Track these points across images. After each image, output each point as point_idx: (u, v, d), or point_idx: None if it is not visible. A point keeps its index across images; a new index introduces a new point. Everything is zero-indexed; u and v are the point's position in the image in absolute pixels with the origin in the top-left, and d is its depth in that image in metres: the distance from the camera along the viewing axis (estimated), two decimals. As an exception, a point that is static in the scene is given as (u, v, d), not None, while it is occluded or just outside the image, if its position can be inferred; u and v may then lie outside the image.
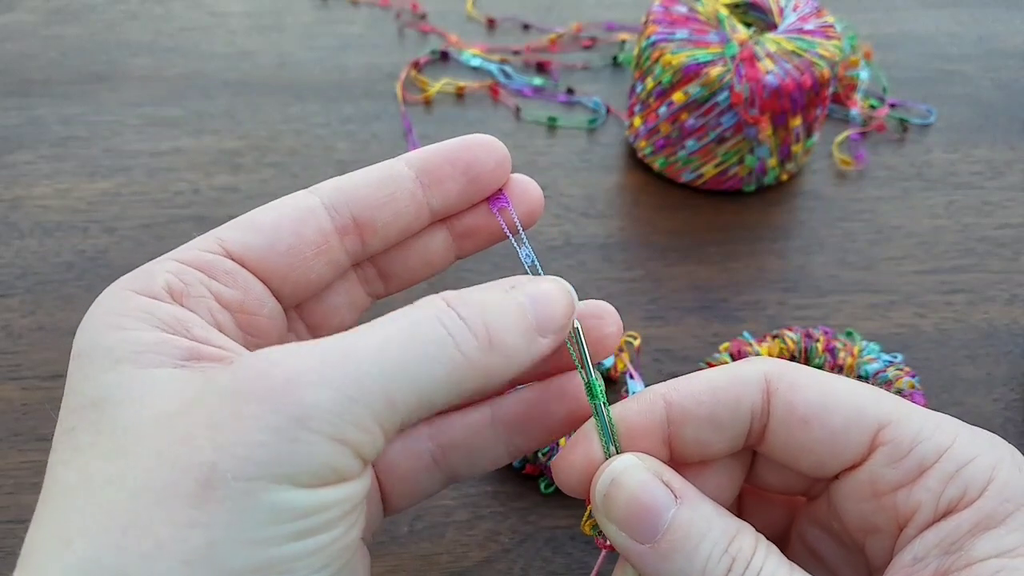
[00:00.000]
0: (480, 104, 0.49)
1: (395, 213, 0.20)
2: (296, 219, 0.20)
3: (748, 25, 0.43)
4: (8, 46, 0.51)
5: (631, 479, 0.18)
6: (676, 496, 0.18)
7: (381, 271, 0.22)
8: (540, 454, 0.30)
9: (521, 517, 0.31)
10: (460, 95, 0.48)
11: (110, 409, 0.16)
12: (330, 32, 0.54)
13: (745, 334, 0.35)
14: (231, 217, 0.20)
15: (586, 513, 0.20)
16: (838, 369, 0.33)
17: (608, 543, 0.19)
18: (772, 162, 0.42)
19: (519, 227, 0.21)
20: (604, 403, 0.19)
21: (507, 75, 0.50)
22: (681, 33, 0.41)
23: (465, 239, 0.22)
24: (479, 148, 0.21)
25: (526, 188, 0.21)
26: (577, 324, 0.20)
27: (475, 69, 0.51)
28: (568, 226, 0.42)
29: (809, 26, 0.42)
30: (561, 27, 0.54)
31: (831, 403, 0.18)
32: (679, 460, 0.20)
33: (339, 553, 0.16)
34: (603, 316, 0.20)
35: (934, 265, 0.41)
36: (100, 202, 0.42)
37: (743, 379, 0.19)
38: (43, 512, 0.16)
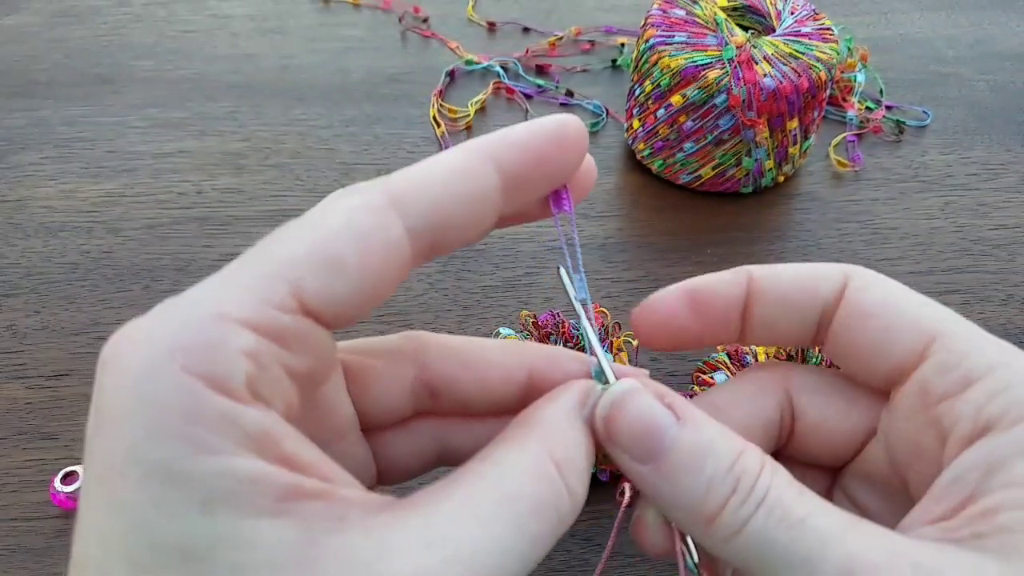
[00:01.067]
0: (491, 108, 0.49)
1: (474, 231, 0.17)
2: (383, 260, 0.15)
3: (745, 28, 0.44)
4: (13, 48, 0.52)
5: (632, 401, 0.17)
6: (679, 417, 0.17)
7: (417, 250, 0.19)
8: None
9: (521, 514, 0.31)
10: (482, 109, 0.49)
11: (211, 570, 0.13)
12: (332, 35, 0.54)
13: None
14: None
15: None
16: (836, 367, 0.33)
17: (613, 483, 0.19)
18: (769, 164, 0.42)
19: (572, 222, 0.19)
20: (595, 331, 0.20)
21: (512, 73, 0.50)
22: (679, 36, 0.41)
23: (506, 221, 0.19)
24: (570, 145, 0.17)
25: (588, 174, 0.19)
26: (564, 276, 0.19)
27: (483, 74, 0.51)
28: (568, 227, 0.42)
29: (806, 29, 0.42)
30: (560, 31, 0.54)
31: (895, 303, 0.19)
32: (749, 340, 0.21)
33: None
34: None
35: (930, 266, 0.41)
36: (104, 203, 0.42)
37: (825, 273, 0.20)
38: None
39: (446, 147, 0.43)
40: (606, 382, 0.19)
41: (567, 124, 0.17)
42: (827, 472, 0.22)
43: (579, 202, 0.20)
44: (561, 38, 0.53)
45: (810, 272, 0.20)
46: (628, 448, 0.17)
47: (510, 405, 0.20)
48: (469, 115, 0.48)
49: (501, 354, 0.20)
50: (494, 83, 0.50)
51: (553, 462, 0.16)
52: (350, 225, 0.15)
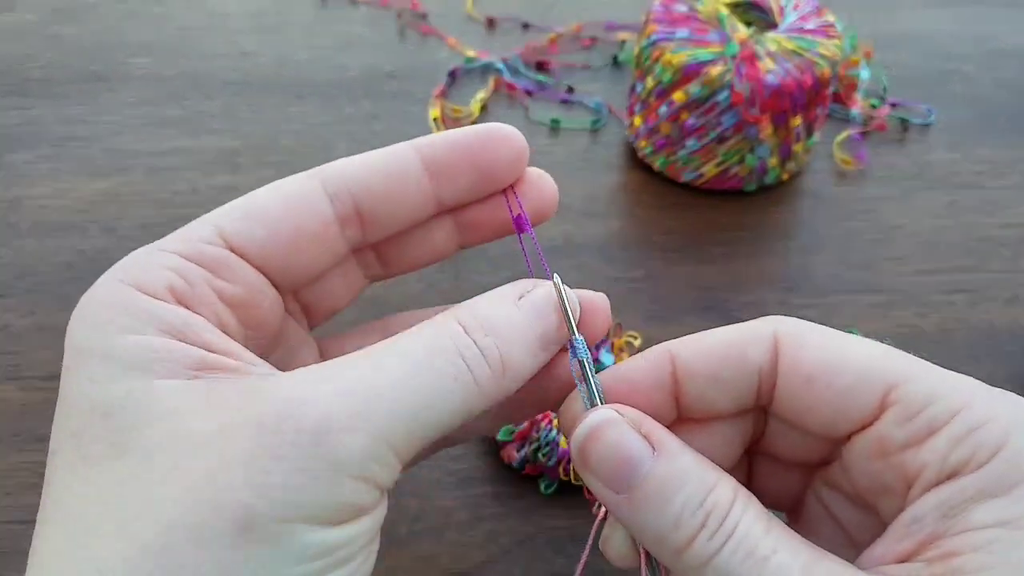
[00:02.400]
0: (492, 106, 0.49)
1: (400, 204, 0.20)
2: (298, 209, 0.19)
3: (748, 24, 0.43)
4: (7, 45, 0.51)
5: (607, 430, 0.18)
6: (654, 448, 0.17)
7: (381, 256, 0.22)
8: (540, 455, 0.30)
9: (522, 518, 0.30)
10: (484, 108, 0.48)
11: (124, 422, 0.15)
12: (330, 32, 0.54)
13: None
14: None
15: None
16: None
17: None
18: (773, 161, 0.42)
19: (531, 230, 0.20)
20: (587, 359, 0.19)
21: (512, 69, 0.50)
22: (681, 32, 0.41)
23: (471, 230, 0.22)
24: (496, 140, 0.20)
25: (540, 184, 0.21)
26: (562, 285, 0.20)
27: (483, 71, 0.51)
28: (568, 226, 0.41)
29: (810, 25, 0.42)
30: (561, 26, 0.54)
31: (838, 362, 0.18)
32: (686, 416, 0.20)
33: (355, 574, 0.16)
34: (595, 307, 0.20)
35: (935, 265, 0.41)
36: (99, 202, 0.42)
37: (752, 336, 0.19)
38: (56, 525, 0.15)
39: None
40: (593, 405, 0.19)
41: (495, 127, 0.20)
42: (801, 476, 0.22)
43: (543, 220, 0.21)
44: (561, 34, 0.53)
45: (736, 339, 0.19)
46: (601, 477, 0.18)
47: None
48: (473, 114, 0.47)
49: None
50: (494, 79, 0.49)
51: (457, 322, 0.17)
52: (275, 188, 0.19)
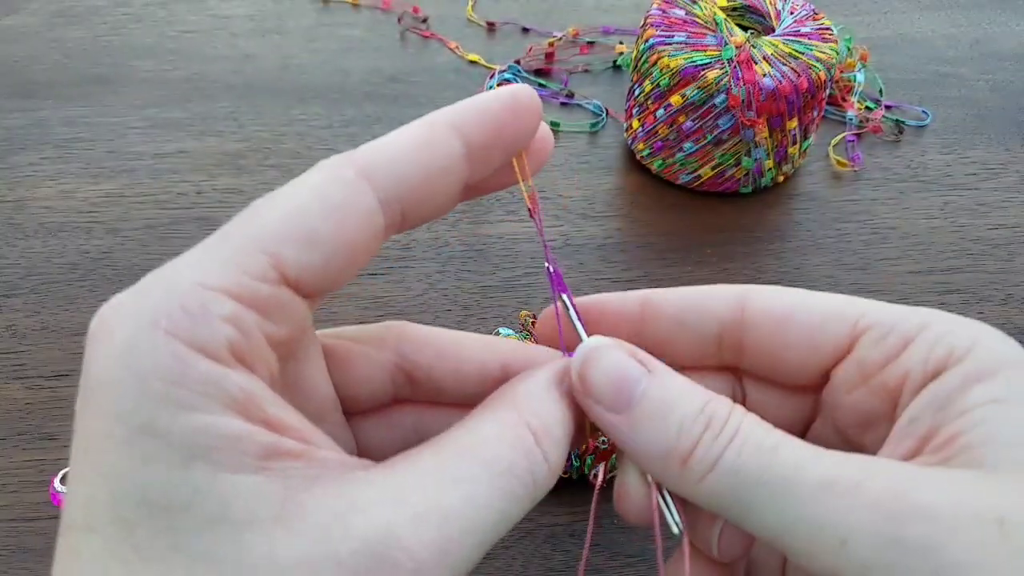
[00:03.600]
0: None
1: (440, 202, 0.18)
2: (354, 227, 0.16)
3: (745, 28, 0.44)
4: (12, 48, 0.52)
5: (604, 354, 0.18)
6: (649, 370, 0.18)
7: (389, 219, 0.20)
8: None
9: (520, 514, 0.31)
10: None
11: (189, 523, 0.14)
12: (332, 35, 0.54)
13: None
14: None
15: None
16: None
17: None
18: (769, 164, 0.42)
19: (567, 290, 0.21)
20: (569, 295, 0.20)
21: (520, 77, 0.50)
22: (679, 36, 0.41)
23: (476, 190, 0.20)
24: (525, 114, 0.18)
25: (545, 140, 0.20)
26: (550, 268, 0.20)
27: (484, 76, 0.51)
28: (567, 227, 0.42)
29: (806, 29, 0.42)
30: (559, 31, 0.54)
31: (807, 302, 0.19)
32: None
33: None
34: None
35: (929, 265, 0.41)
36: (104, 203, 0.42)
37: (718, 290, 0.20)
38: None
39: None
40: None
41: (520, 92, 0.18)
42: None
43: (538, 170, 0.21)
44: (560, 39, 0.53)
45: (704, 290, 0.20)
46: (601, 398, 0.18)
47: (486, 396, 0.21)
48: None
49: (476, 346, 0.21)
50: (498, 85, 0.50)
51: (529, 429, 0.17)
52: (323, 198, 0.16)
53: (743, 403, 0.21)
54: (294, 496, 0.14)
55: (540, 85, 0.50)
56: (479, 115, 0.18)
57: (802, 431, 0.21)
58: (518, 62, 0.52)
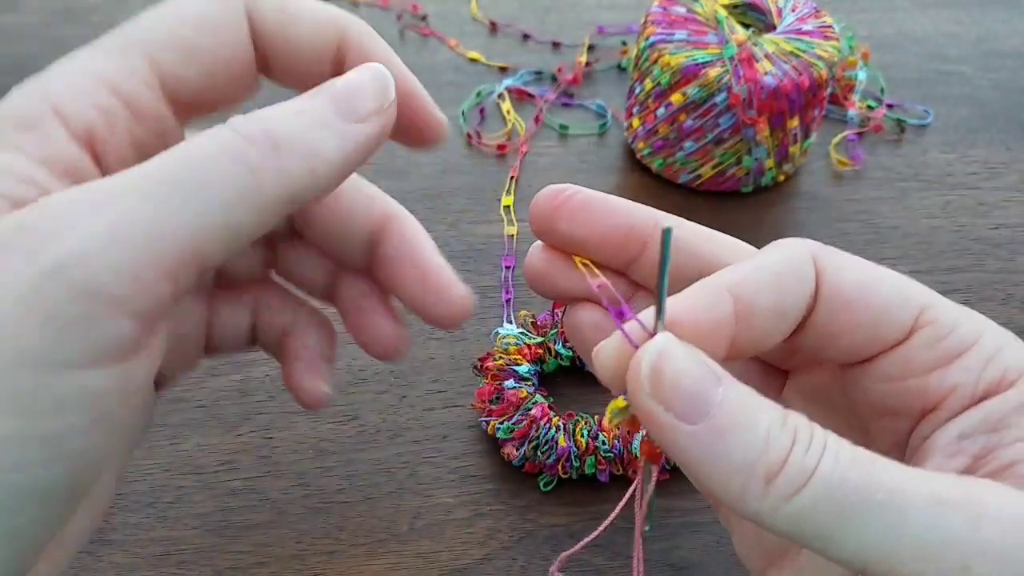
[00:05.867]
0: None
1: (313, 62, 0.19)
2: (231, 48, 0.17)
3: (746, 26, 0.43)
4: (10, 47, 0.51)
5: (677, 356, 0.16)
6: (719, 376, 0.16)
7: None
8: (540, 452, 0.31)
9: (521, 515, 0.31)
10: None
11: None
12: (331, 33, 0.54)
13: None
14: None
15: (612, 405, 0.18)
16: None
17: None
18: (770, 163, 0.42)
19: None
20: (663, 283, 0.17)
21: (535, 78, 0.50)
22: (680, 34, 0.41)
23: (400, 135, 0.21)
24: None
25: (419, 107, 0.20)
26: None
27: (486, 75, 0.51)
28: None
29: (807, 27, 0.42)
30: (559, 32, 0.54)
31: (875, 283, 0.18)
32: (732, 358, 0.18)
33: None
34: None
35: (930, 265, 0.41)
36: (102, 202, 0.42)
37: (800, 262, 0.18)
38: None
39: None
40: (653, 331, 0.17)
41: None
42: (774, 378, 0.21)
43: (423, 145, 0.21)
44: (590, 55, 0.53)
45: (787, 267, 0.18)
46: (675, 404, 0.15)
47: (320, 74, 0.19)
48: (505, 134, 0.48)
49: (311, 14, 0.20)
50: (507, 88, 0.49)
51: (240, 135, 0.16)
52: (202, 9, 0.17)
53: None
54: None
55: (568, 96, 0.50)
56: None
57: (800, 380, 0.21)
58: (505, 69, 0.51)
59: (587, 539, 0.21)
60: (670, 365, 0.16)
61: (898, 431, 0.18)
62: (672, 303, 0.17)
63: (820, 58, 0.40)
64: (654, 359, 0.16)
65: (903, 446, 0.19)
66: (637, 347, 0.16)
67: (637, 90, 0.43)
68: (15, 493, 0.14)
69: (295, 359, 0.22)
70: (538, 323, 0.35)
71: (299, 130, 0.16)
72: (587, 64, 0.51)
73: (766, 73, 0.39)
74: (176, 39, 0.17)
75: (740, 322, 0.17)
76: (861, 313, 0.18)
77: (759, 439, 0.15)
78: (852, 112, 0.48)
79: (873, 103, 0.50)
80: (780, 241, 0.19)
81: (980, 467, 0.16)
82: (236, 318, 0.22)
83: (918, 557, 0.14)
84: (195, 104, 0.17)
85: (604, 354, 0.17)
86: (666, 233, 0.16)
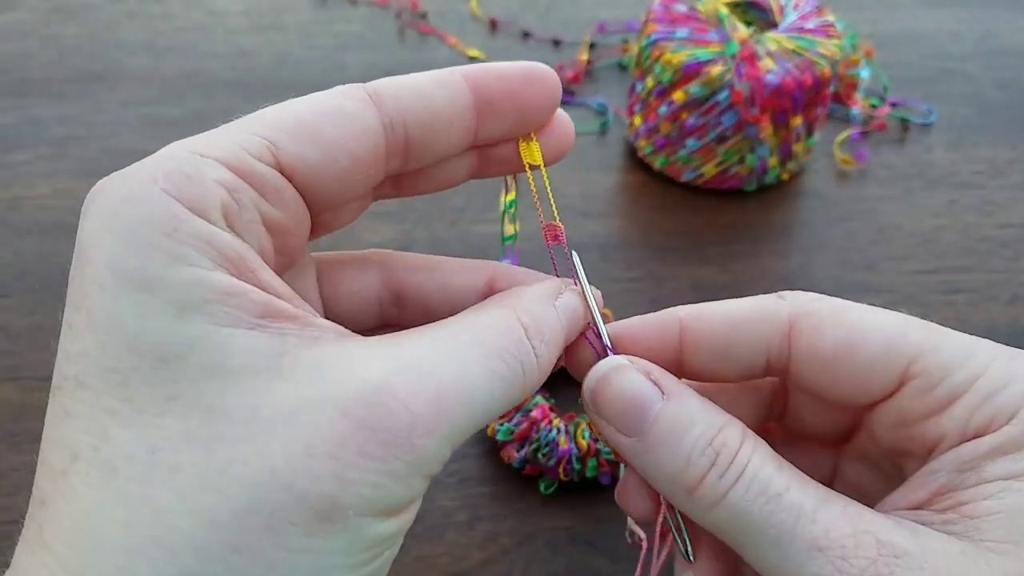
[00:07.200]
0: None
1: (445, 140, 0.18)
2: (357, 136, 0.17)
3: (749, 24, 0.43)
4: (7, 45, 0.51)
5: (618, 376, 0.18)
6: (664, 392, 0.18)
7: (397, 179, 0.21)
8: (540, 455, 0.30)
9: (521, 518, 0.30)
10: None
11: (186, 373, 0.14)
12: (329, 31, 0.54)
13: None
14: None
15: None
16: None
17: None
18: (773, 161, 0.42)
19: (564, 241, 0.21)
20: (597, 311, 0.20)
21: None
22: (681, 32, 0.41)
23: (489, 165, 0.21)
24: (540, 86, 0.19)
25: (564, 124, 0.20)
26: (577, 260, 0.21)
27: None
28: (568, 225, 0.41)
29: (810, 25, 0.42)
30: (559, 29, 0.54)
31: (857, 342, 0.18)
32: (689, 378, 0.20)
33: (390, 559, 0.16)
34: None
35: (935, 265, 0.41)
36: (99, 202, 0.42)
37: (765, 317, 0.19)
38: (91, 467, 0.14)
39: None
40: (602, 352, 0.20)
41: (539, 67, 0.19)
42: (830, 452, 0.22)
43: (556, 160, 0.21)
44: (591, 53, 0.53)
45: (747, 316, 0.19)
46: (613, 421, 0.18)
47: None
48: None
49: (462, 265, 0.21)
50: None
51: (521, 323, 0.17)
52: (330, 104, 0.17)
53: (784, 406, 0.21)
54: (291, 351, 0.15)
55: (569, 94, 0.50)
56: (492, 72, 0.19)
57: (845, 438, 0.21)
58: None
59: None
60: (610, 385, 0.18)
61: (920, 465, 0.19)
62: (620, 324, 0.20)
63: (823, 56, 0.40)
64: (593, 384, 0.19)
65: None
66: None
67: (638, 88, 0.43)
68: None
69: None
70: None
71: (554, 360, 0.18)
72: (588, 62, 0.51)
73: (768, 71, 0.39)
74: (298, 122, 0.17)
75: (687, 350, 0.20)
76: (843, 372, 0.19)
77: (681, 459, 0.17)
78: (856, 110, 0.48)
79: (877, 101, 0.49)
80: (769, 296, 0.20)
81: (935, 502, 0.17)
82: None
83: None
84: (316, 185, 0.17)
85: (575, 367, 0.20)
86: (571, 254, 0.20)
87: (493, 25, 0.54)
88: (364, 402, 0.14)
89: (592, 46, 0.53)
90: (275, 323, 0.15)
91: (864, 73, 0.49)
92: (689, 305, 0.20)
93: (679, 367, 0.20)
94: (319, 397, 0.14)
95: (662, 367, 0.19)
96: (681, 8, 0.42)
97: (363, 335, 0.21)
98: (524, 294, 0.18)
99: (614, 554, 0.30)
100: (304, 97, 0.17)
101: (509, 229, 0.22)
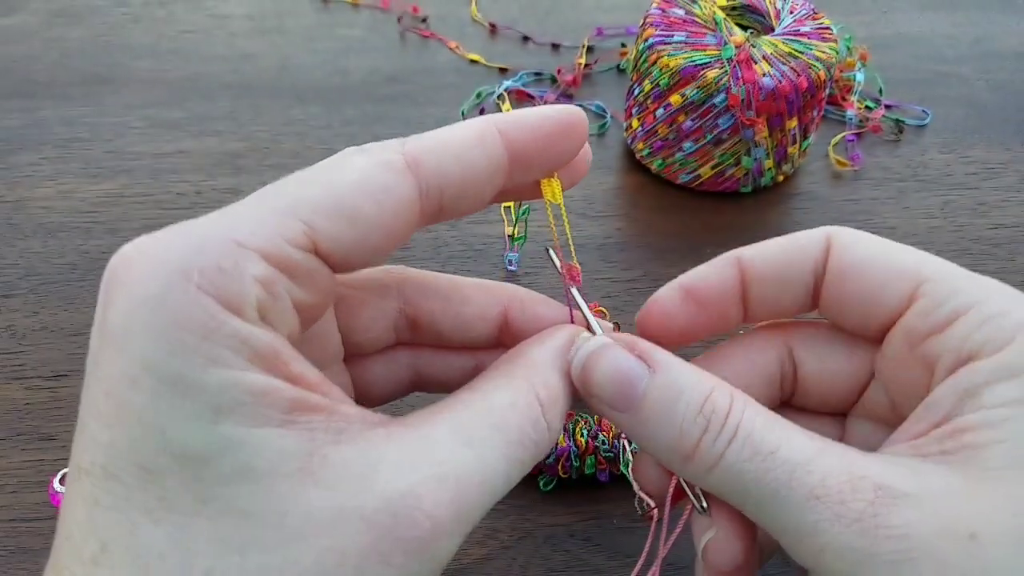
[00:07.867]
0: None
1: (479, 201, 0.19)
2: (394, 213, 0.17)
3: (745, 28, 0.44)
4: (11, 48, 0.51)
5: (604, 355, 0.19)
6: (650, 366, 0.18)
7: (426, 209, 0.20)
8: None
9: (520, 514, 0.31)
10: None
11: (218, 476, 0.14)
12: (331, 35, 0.54)
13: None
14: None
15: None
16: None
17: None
18: (768, 163, 0.42)
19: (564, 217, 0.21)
20: (575, 292, 0.21)
21: (534, 78, 0.50)
22: (678, 36, 0.41)
23: (504, 195, 0.20)
24: (573, 135, 0.19)
25: (585, 158, 0.21)
26: (552, 255, 0.21)
27: (486, 76, 0.51)
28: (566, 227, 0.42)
29: (805, 28, 0.42)
30: (558, 33, 0.54)
31: (874, 259, 0.19)
32: (752, 319, 0.21)
33: None
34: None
35: (929, 265, 0.41)
36: (103, 203, 0.42)
37: (807, 237, 0.20)
38: (120, 568, 0.14)
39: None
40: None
41: (573, 114, 0.19)
42: (837, 419, 0.23)
43: (572, 186, 0.22)
44: (589, 57, 0.53)
45: (795, 242, 0.21)
46: (605, 399, 0.19)
47: (484, 339, 0.22)
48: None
49: (477, 291, 0.22)
50: (507, 90, 0.50)
51: (538, 400, 0.18)
52: (369, 180, 0.16)
53: (794, 375, 0.22)
54: (319, 450, 0.15)
55: (567, 97, 0.50)
56: (531, 130, 0.18)
57: (857, 394, 0.22)
58: (504, 71, 0.51)
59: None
60: (596, 365, 0.19)
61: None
62: (691, 273, 0.21)
63: (818, 59, 0.40)
64: (579, 367, 0.19)
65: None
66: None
67: (636, 91, 0.44)
68: None
69: None
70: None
71: (559, 416, 0.19)
72: (586, 65, 0.52)
73: (764, 74, 0.39)
74: (338, 203, 0.16)
75: (750, 286, 0.20)
76: (862, 285, 0.19)
77: (674, 429, 0.18)
78: (851, 113, 0.48)
79: (872, 104, 0.50)
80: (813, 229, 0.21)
81: (936, 433, 0.17)
82: None
83: (793, 536, 0.17)
84: (349, 261, 0.17)
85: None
86: (547, 251, 0.21)
87: (493, 29, 0.55)
88: (391, 512, 0.15)
89: (590, 50, 0.53)
90: (303, 417, 0.15)
91: (859, 76, 0.50)
92: (743, 248, 0.21)
93: (744, 303, 0.21)
94: (348, 506, 0.15)
95: (729, 306, 0.21)
96: (678, 12, 0.43)
97: (378, 354, 0.22)
98: (541, 359, 0.19)
99: (613, 550, 0.30)
100: (336, 162, 0.17)
101: (519, 230, 0.23)
